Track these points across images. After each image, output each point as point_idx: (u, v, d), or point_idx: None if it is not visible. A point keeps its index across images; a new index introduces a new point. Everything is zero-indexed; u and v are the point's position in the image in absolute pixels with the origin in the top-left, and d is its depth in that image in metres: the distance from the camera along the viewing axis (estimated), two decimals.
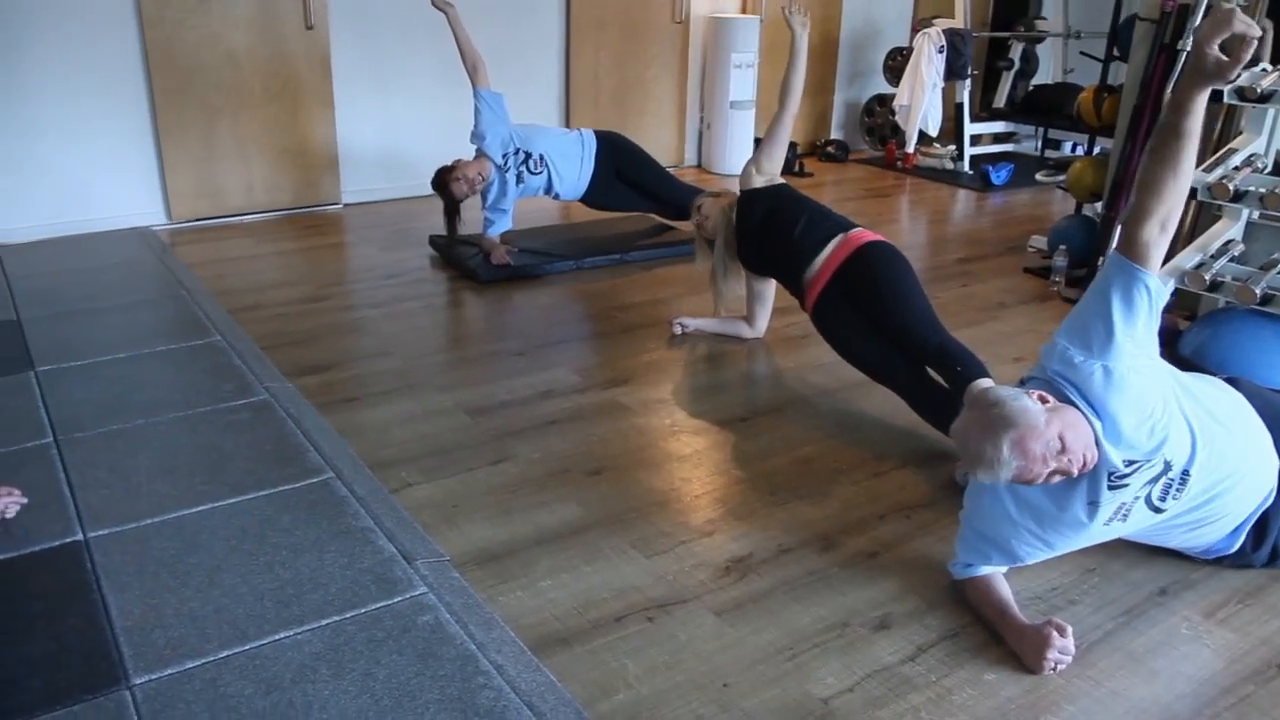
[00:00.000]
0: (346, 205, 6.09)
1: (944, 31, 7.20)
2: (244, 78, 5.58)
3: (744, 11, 7.42)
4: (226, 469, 2.91)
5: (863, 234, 3.49)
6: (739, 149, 7.21)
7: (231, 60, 5.52)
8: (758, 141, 7.29)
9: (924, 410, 3.22)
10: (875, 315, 3.32)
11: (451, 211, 4.90)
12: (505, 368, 3.77)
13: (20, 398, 3.36)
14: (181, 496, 2.76)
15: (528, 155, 4.83)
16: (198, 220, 5.65)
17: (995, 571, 2.39)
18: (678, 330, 4.07)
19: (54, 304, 4.25)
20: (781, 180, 3.83)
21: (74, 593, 2.35)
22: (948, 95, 7.50)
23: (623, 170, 5.07)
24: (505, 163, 4.81)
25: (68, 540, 2.56)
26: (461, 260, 4.87)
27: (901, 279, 3.37)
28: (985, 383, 2.98)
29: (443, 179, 4.78)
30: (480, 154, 4.83)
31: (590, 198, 5.13)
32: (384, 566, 2.46)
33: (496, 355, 3.89)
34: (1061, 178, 5.99)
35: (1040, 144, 7.85)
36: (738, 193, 3.86)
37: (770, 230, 3.64)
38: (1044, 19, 8.14)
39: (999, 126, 7.97)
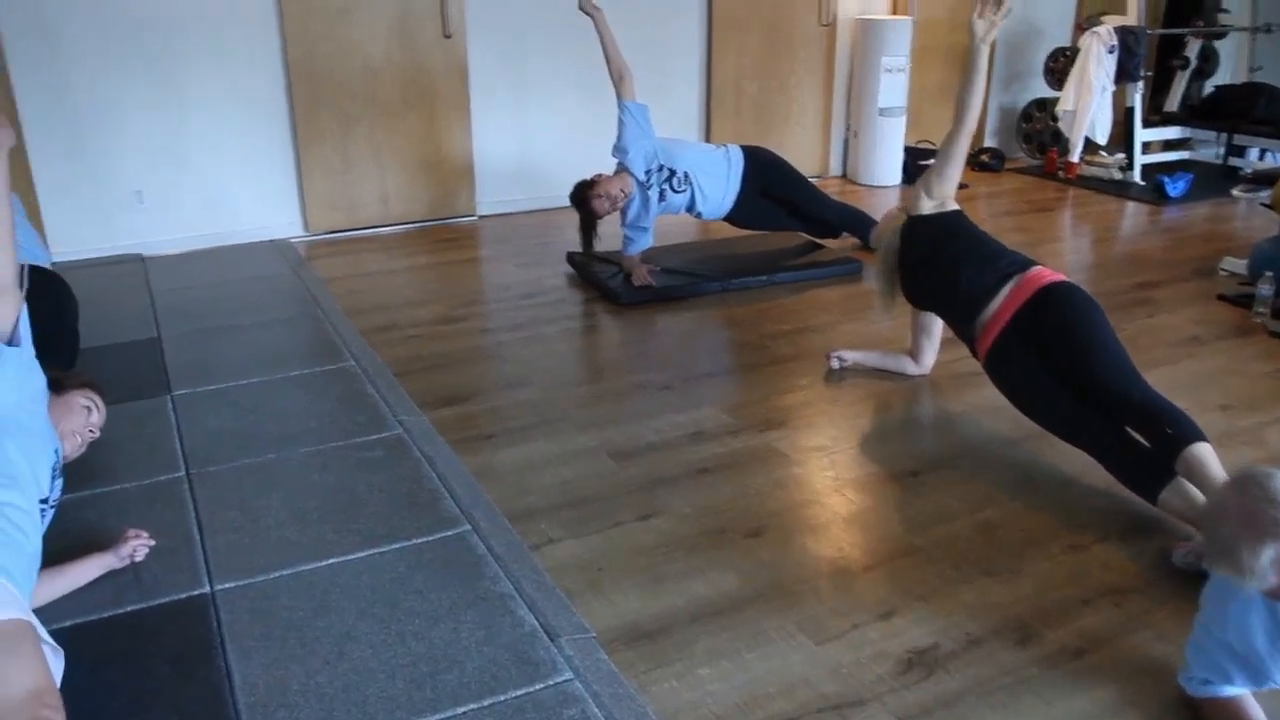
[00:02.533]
0: (482, 217, 5.95)
1: (1115, 29, 6.64)
2: (381, 88, 5.48)
3: (895, 12, 7.00)
4: (358, 515, 2.73)
5: (1043, 273, 3.10)
6: (887, 159, 6.82)
7: (369, 70, 5.43)
8: (908, 151, 6.94)
9: (1124, 475, 2.83)
10: (1062, 367, 2.94)
11: (589, 228, 4.67)
12: (651, 403, 3.51)
13: (158, 424, 3.26)
14: (311, 546, 2.59)
15: (671, 172, 4.57)
16: (334, 232, 5.58)
17: (1244, 694, 2.00)
18: (835, 364, 3.74)
19: (193, 320, 4.19)
20: (955, 206, 3.45)
21: (199, 655, 2.18)
22: (1117, 99, 6.92)
23: (770, 188, 4.77)
24: (648, 179, 4.56)
25: (195, 593, 2.41)
26: (600, 279, 4.64)
27: (1093, 325, 2.97)
28: (1210, 458, 2.57)
29: (583, 194, 4.56)
30: (622, 169, 4.59)
31: (735, 217, 4.84)
32: (525, 643, 2.22)
33: (641, 388, 3.64)
34: (1265, 193, 5.40)
35: (1223, 152, 7.18)
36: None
37: (938, 266, 3.28)
38: (1226, 12, 7.46)
39: (1173, 132, 7.34)
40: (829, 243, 5.09)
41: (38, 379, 2.17)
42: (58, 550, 2.40)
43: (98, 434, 2.51)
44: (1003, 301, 3.08)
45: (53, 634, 2.25)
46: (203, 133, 5.14)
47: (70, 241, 4.96)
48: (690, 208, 4.70)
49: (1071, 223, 6.19)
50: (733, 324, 4.28)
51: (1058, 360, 2.95)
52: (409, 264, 5.15)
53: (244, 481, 2.90)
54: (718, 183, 4.65)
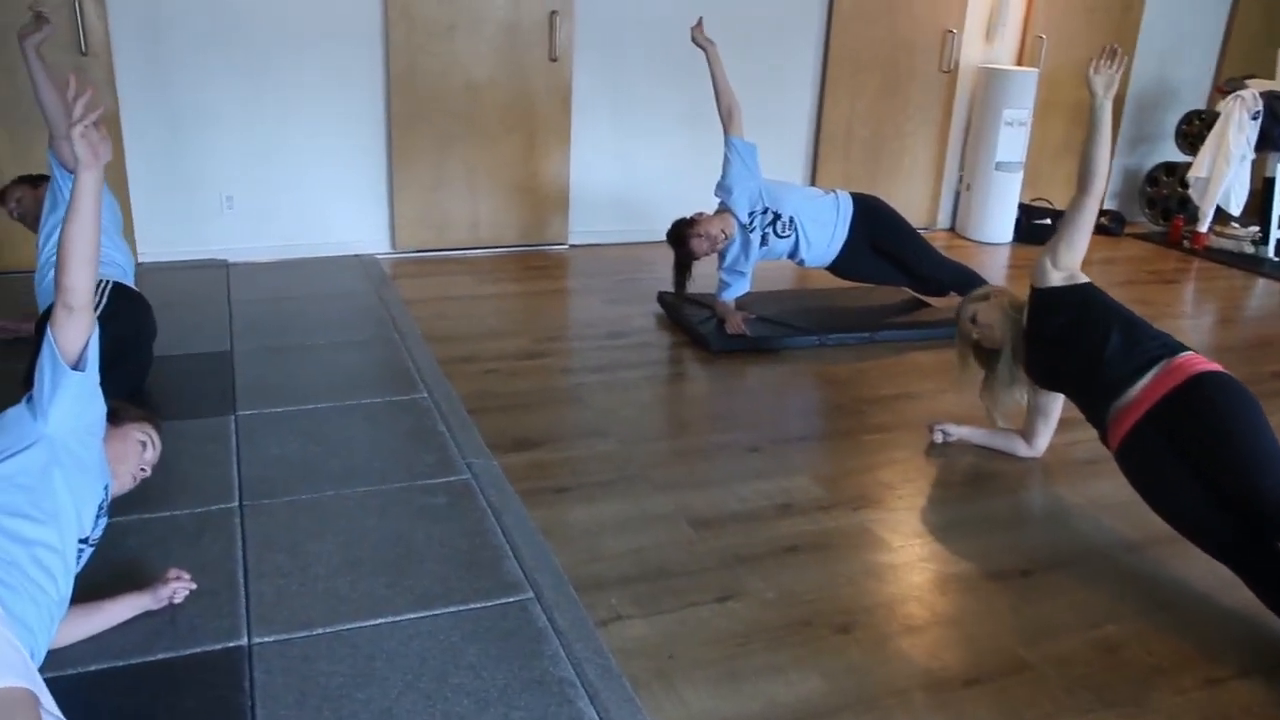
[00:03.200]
0: (573, 246, 5.77)
1: (1261, 94, 6.21)
2: (482, 108, 5.35)
3: (1020, 63, 6.67)
4: (413, 570, 2.52)
5: (1194, 360, 2.77)
6: (1000, 215, 6.47)
7: (471, 89, 5.30)
8: (1023, 209, 6.58)
9: (1272, 598, 2.48)
10: (1208, 466, 2.60)
11: (684, 268, 4.44)
12: (736, 467, 3.25)
13: (218, 446, 3.11)
14: (360, 602, 2.38)
15: (776, 216, 4.32)
16: (421, 251, 5.45)
17: None
18: (938, 438, 3.44)
19: (268, 335, 4.07)
20: (1085, 279, 3.12)
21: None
22: (1256, 168, 6.47)
23: (879, 241, 4.49)
24: (751, 221, 4.32)
25: (231, 645, 2.22)
26: (691, 323, 4.40)
27: (1247, 424, 2.62)
28: None
29: (681, 233, 4.34)
30: (724, 209, 4.36)
31: (838, 267, 4.56)
32: None
33: (726, 449, 3.38)
34: None
35: None
36: (1006, 290, 3.24)
37: (1071, 343, 2.97)
38: None
39: None
40: (935, 301, 4.78)
41: (97, 408, 2.02)
42: (94, 580, 2.25)
43: (149, 472, 2.34)
44: (1146, 387, 2.75)
45: (76, 679, 2.10)
46: (297, 141, 5.06)
47: (158, 244, 4.91)
48: (793, 254, 4.44)
49: (1196, 297, 5.77)
50: (828, 383, 4.00)
51: (1203, 458, 2.62)
52: (495, 290, 4.98)
53: (298, 520, 2.72)
54: (824, 230, 4.39)
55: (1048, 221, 6.37)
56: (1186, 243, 6.58)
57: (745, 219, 4.31)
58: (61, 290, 1.88)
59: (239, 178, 4.99)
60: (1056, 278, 3.09)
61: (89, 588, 2.21)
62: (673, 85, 5.56)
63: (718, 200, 4.39)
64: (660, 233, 4.52)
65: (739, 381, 4.01)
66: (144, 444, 2.26)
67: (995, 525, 3.02)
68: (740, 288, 4.43)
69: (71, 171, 3.36)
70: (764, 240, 4.35)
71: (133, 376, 3.34)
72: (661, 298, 4.72)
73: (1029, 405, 3.35)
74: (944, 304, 4.85)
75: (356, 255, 5.28)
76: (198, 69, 4.82)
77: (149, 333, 3.48)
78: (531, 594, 2.45)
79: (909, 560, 2.76)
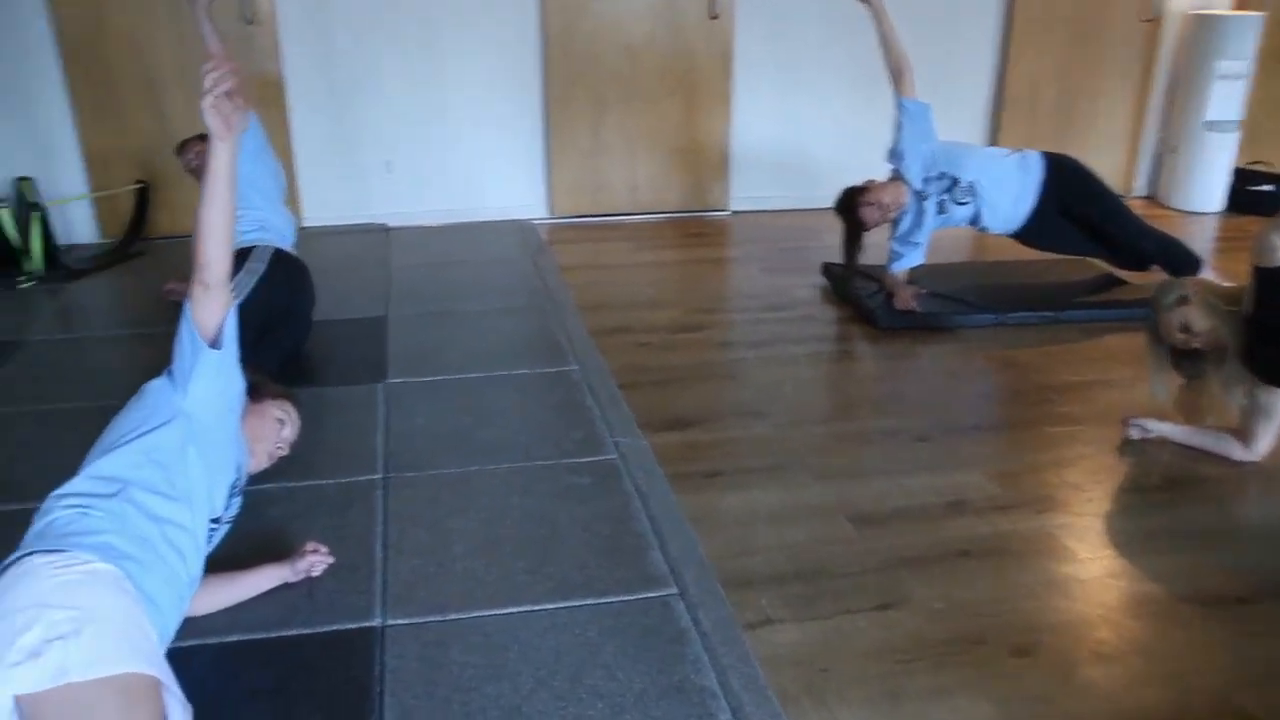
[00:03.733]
0: (734, 213, 5.54)
1: None
2: (640, 69, 5.18)
3: (1240, 8, 5.98)
4: (554, 555, 2.39)
5: None
6: (1209, 182, 5.85)
7: (629, 51, 5.13)
8: (1238, 174, 5.89)
9: None
10: None
11: (854, 239, 4.16)
12: (903, 457, 2.99)
13: (365, 415, 3.08)
14: (497, 587, 2.27)
15: (954, 181, 3.98)
16: (578, 216, 5.35)
17: None
18: (1135, 434, 3.08)
19: (423, 301, 4.04)
20: None
21: (353, 707, 1.91)
22: None
23: (1072, 206, 4.06)
24: (925, 188, 3.99)
25: (365, 625, 2.15)
26: (858, 297, 4.13)
27: None
28: None
29: (851, 201, 4.06)
30: (896, 175, 4.05)
31: (1024, 234, 4.16)
32: None
33: (892, 436, 3.12)
34: None
35: None
36: (1201, 281, 2.85)
37: None
38: None
39: None
40: (1133, 277, 4.32)
41: (235, 384, 1.96)
42: (235, 550, 2.22)
43: (286, 450, 2.27)
44: None
45: (215, 649, 2.07)
46: (456, 106, 5.03)
47: (322, 208, 4.97)
48: (974, 221, 4.09)
49: None
50: (1009, 366, 3.66)
51: None
52: (652, 258, 4.83)
53: (440, 495, 2.64)
54: (1008, 194, 4.01)
55: (1268, 188, 5.70)
56: None
57: (919, 185, 3.99)
58: (197, 267, 1.81)
59: (398, 143, 5.00)
60: None
61: (230, 557, 2.18)
62: (842, 42, 5.24)
63: (889, 167, 4.08)
64: (827, 199, 4.25)
65: (908, 362, 3.72)
66: (282, 421, 2.20)
67: (1203, 540, 2.65)
68: (913, 259, 4.12)
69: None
70: (941, 208, 4.01)
71: (290, 342, 3.35)
72: (827, 269, 4.45)
73: (1246, 403, 2.95)
74: (1142, 279, 4.40)
75: (514, 220, 5.22)
76: (360, 36, 4.83)
77: (307, 299, 3.48)
78: (675, 589, 2.28)
79: (1099, 575, 2.46)
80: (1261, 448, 2.97)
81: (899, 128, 4.00)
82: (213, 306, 1.84)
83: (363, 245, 4.77)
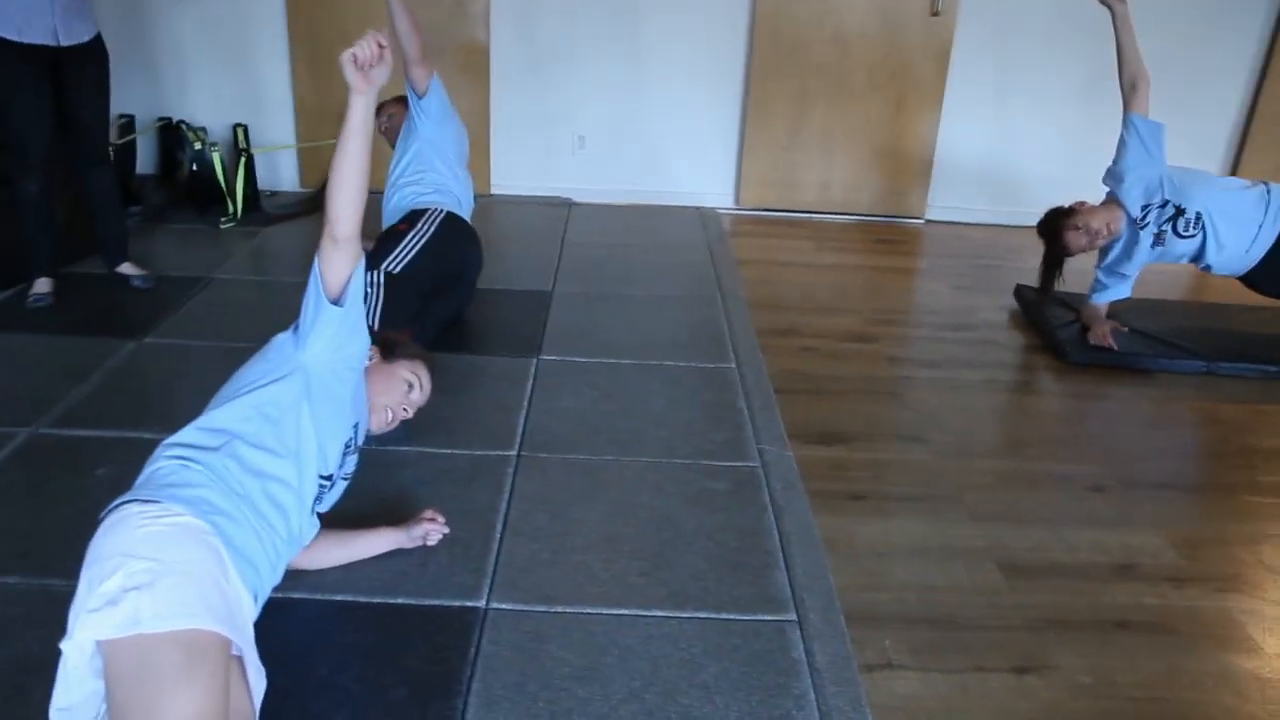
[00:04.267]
0: (929, 222, 5.25)
1: None
2: (849, 63, 4.96)
3: None
4: (673, 561, 2.29)
5: None
6: None
7: (839, 42, 4.92)
8: None
9: None
10: None
11: (1054, 264, 3.83)
12: (1072, 507, 2.72)
13: (512, 389, 3.06)
14: (609, 586, 2.20)
15: (1179, 211, 3.59)
16: (764, 209, 5.20)
17: None
18: None
19: (590, 281, 4.01)
20: None
21: (440, 686, 1.87)
22: None
23: None
24: (1144, 216, 3.62)
25: (469, 604, 2.12)
26: (1049, 325, 3.81)
27: None
28: None
29: (1056, 224, 3.73)
30: (1112, 199, 3.70)
31: (1256, 277, 3.71)
32: None
33: (1064, 482, 2.85)
34: None
35: None
36: None
37: None
38: None
39: None
40: None
41: (358, 342, 1.93)
42: (359, 509, 2.24)
43: (411, 414, 2.24)
44: None
45: (318, 605, 2.08)
46: (653, 87, 4.96)
47: (510, 177, 5.03)
48: (1197, 258, 3.68)
49: None
50: (1211, 422, 3.28)
51: None
52: (835, 261, 4.63)
53: (570, 481, 2.59)
54: (1244, 231, 3.57)
55: None
56: None
57: (1137, 213, 3.62)
58: (328, 221, 1.79)
59: (593, 119, 4.99)
60: None
61: (353, 515, 2.20)
62: (1071, 50, 4.86)
63: (1106, 188, 3.73)
64: (1034, 217, 3.92)
65: (1096, 404, 3.39)
66: (410, 385, 2.18)
67: None
68: (1119, 292, 3.76)
69: (420, 95, 3.45)
70: (1159, 239, 3.63)
71: (451, 306, 3.38)
72: (1020, 292, 4.13)
73: None
74: None
75: (698, 207, 5.13)
76: (568, 11, 4.83)
77: (474, 265, 3.51)
78: (794, 616, 2.14)
79: (1253, 668, 2.15)
80: None
81: (1123, 146, 3.65)
82: (340, 262, 1.81)
83: (543, 217, 4.79)
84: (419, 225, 3.27)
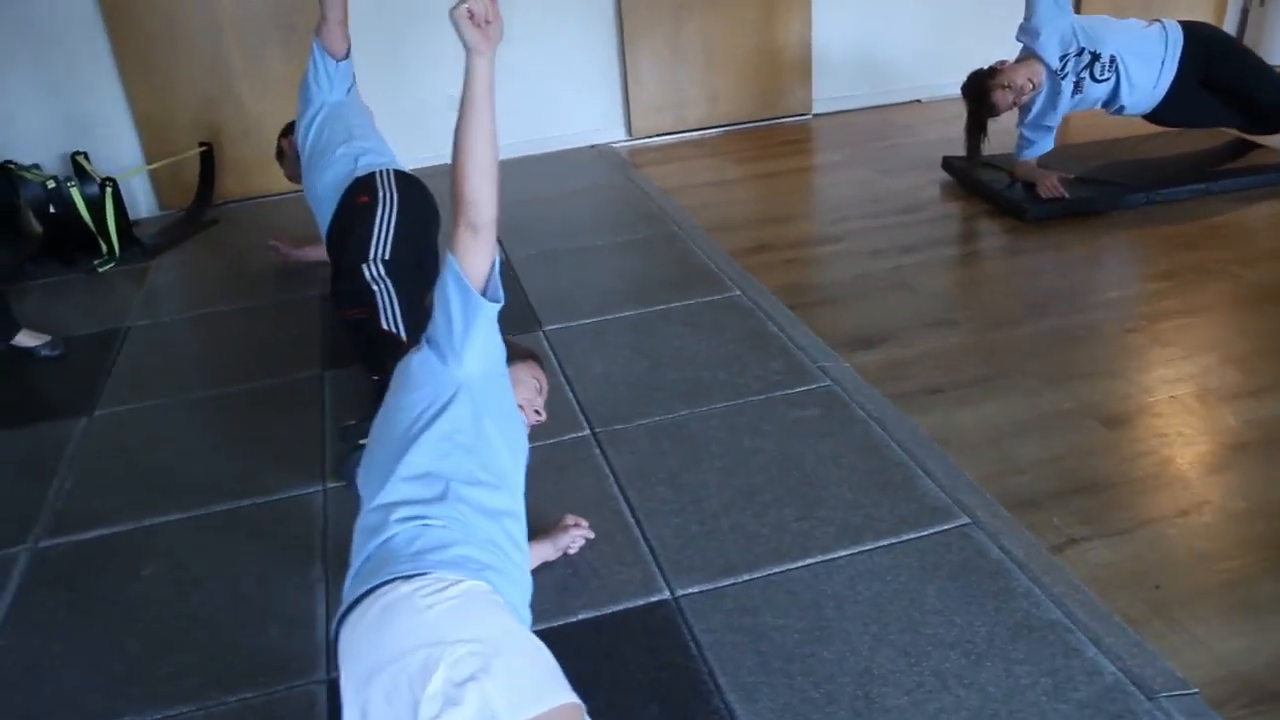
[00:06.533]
0: (817, 115, 5.25)
1: None
2: None
3: None
4: (820, 498, 2.20)
5: None
6: None
7: None
8: None
9: None
10: None
11: (979, 127, 3.92)
12: (1122, 350, 2.81)
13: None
14: (775, 540, 2.09)
15: (1094, 57, 3.71)
16: (658, 136, 5.05)
17: None
18: None
19: (535, 241, 3.79)
20: None
21: (689, 692, 1.73)
22: None
23: (1214, 75, 3.79)
24: (1063, 66, 3.73)
25: (654, 599, 1.96)
26: (992, 190, 3.89)
27: None
28: None
29: (981, 86, 3.80)
30: (1029, 54, 3.78)
31: (1161, 111, 3.91)
32: (1109, 702, 1.64)
33: (1097, 330, 2.92)
34: None
35: None
36: None
37: None
38: None
39: None
40: (1269, 140, 4.10)
41: (500, 343, 1.68)
42: None
43: (544, 417, 1.96)
44: None
45: None
46: (518, 26, 4.66)
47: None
48: (1109, 101, 3.83)
49: None
50: (1183, 247, 3.43)
51: None
52: (753, 171, 4.56)
53: (662, 445, 2.44)
54: (1151, 69, 3.75)
55: None
56: None
57: (1056, 64, 3.72)
58: (464, 205, 1.52)
59: (460, 73, 4.64)
60: None
61: None
62: None
63: (1020, 45, 3.82)
64: (912, 92, 4.04)
65: (1074, 251, 3.49)
66: (538, 384, 1.95)
67: None
68: (1045, 145, 3.88)
69: (337, 58, 3.05)
70: (1078, 87, 3.76)
71: (430, 279, 3.02)
72: (948, 163, 4.20)
73: None
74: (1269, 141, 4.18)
75: (592, 146, 4.94)
76: None
77: (438, 225, 3.15)
78: (966, 519, 2.11)
79: None
80: None
81: (1033, 3, 3.72)
82: (483, 252, 1.55)
83: (438, 189, 4.46)
84: (380, 195, 2.83)
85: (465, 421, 1.56)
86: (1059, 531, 2.11)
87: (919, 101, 5.21)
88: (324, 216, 3.00)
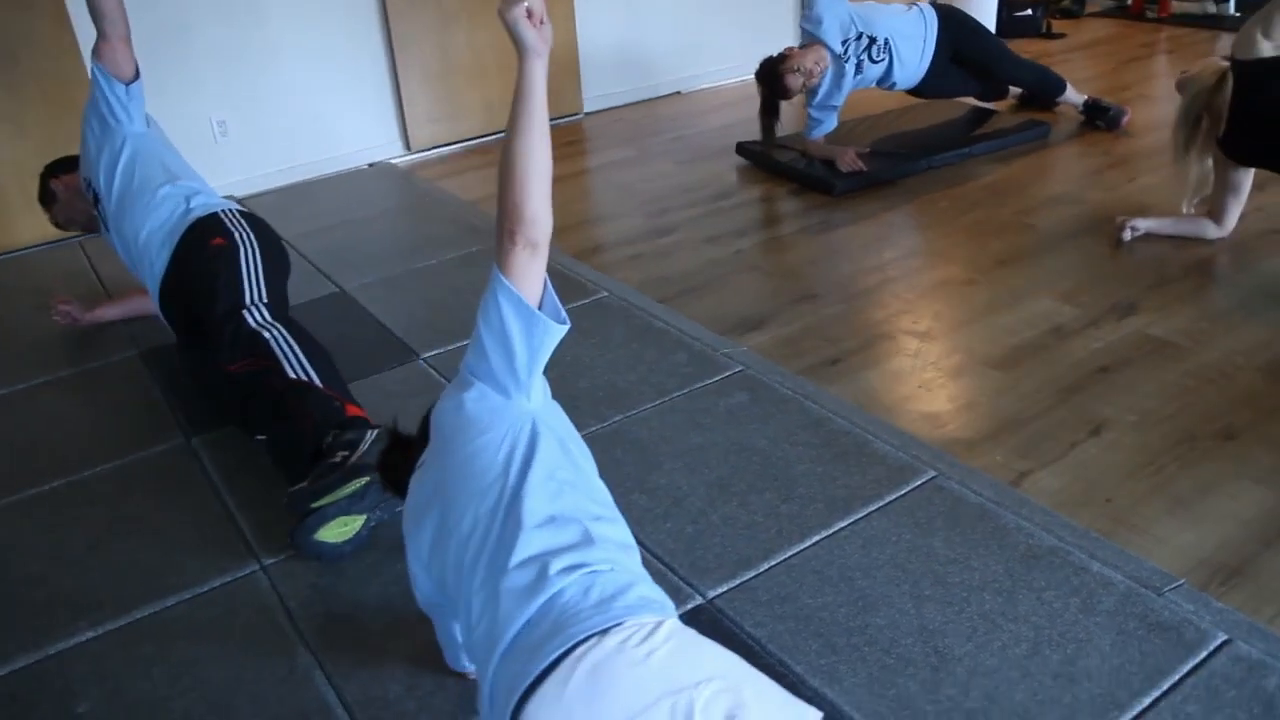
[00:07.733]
0: (588, 114, 5.30)
1: None
2: None
3: None
4: (792, 479, 2.27)
5: None
6: (981, 10, 6.25)
7: None
8: (1002, 2, 6.28)
9: None
10: None
11: (772, 111, 4.15)
12: (973, 301, 3.08)
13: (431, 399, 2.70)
14: (773, 525, 2.13)
15: (871, 40, 4.04)
16: (437, 147, 4.90)
17: None
18: (1128, 235, 3.36)
19: (367, 268, 3.57)
20: None
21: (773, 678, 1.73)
22: None
23: (962, 50, 4.27)
24: (845, 50, 4.02)
25: (690, 606, 1.95)
26: (795, 170, 4.13)
27: None
28: None
29: (774, 70, 4.02)
30: (813, 40, 4.04)
31: (924, 86, 4.34)
32: (1130, 604, 1.83)
33: (945, 286, 3.20)
34: None
35: None
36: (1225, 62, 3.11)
37: None
38: None
39: None
40: (996, 106, 4.65)
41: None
42: None
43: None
44: None
45: None
46: (283, 47, 4.37)
47: None
48: (884, 79, 4.19)
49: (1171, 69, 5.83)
50: (973, 206, 3.80)
51: None
52: (554, 173, 4.51)
53: (614, 454, 2.40)
54: (915, 48, 4.15)
55: (1029, 13, 6.22)
56: (1151, 13, 6.62)
57: (839, 48, 4.01)
58: (520, 222, 1.40)
59: (228, 99, 4.27)
60: (1269, 48, 3.00)
61: None
62: None
63: (804, 31, 4.08)
64: (673, 85, 4.23)
65: (885, 218, 3.77)
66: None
67: (1245, 312, 2.95)
68: (830, 124, 4.18)
69: (125, 81, 2.73)
70: (858, 68, 4.07)
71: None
72: (743, 148, 4.40)
73: (1217, 184, 3.29)
74: (1003, 106, 4.73)
75: (371, 165, 4.71)
76: None
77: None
78: (933, 471, 2.25)
79: (1212, 360, 2.66)
80: (1230, 223, 3.34)
81: None
82: (537, 270, 1.44)
83: None
84: (236, 236, 2.61)
85: (556, 454, 1.45)
86: (1008, 468, 2.30)
87: (679, 93, 5.42)
88: (154, 264, 2.68)
